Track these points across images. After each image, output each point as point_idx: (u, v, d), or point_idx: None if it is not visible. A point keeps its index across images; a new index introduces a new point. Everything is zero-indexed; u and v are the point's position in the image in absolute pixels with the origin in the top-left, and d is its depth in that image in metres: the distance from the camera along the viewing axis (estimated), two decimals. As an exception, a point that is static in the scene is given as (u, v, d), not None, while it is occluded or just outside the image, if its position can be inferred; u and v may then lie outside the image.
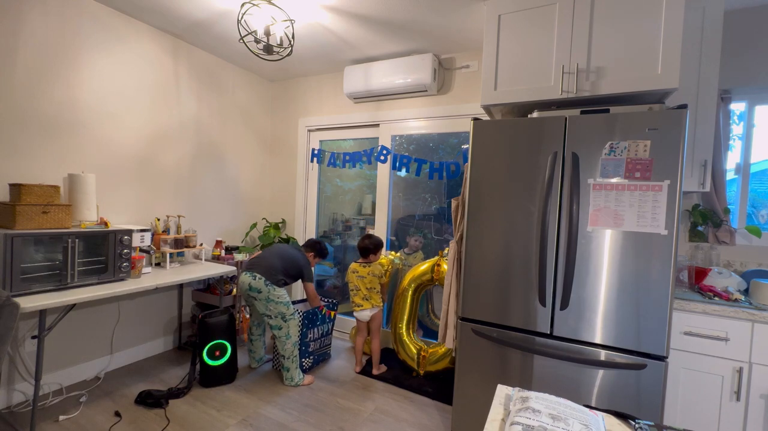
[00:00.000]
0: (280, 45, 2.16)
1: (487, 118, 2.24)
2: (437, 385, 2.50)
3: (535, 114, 1.76)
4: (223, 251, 2.99)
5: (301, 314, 2.51)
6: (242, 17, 2.06)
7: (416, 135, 3.07)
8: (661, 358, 1.46)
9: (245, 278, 2.36)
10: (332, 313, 2.82)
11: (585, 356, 1.56)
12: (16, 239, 1.74)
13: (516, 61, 1.84)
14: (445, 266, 2.57)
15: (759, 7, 2.02)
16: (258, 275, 2.33)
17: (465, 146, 2.83)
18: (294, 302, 2.81)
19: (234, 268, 2.67)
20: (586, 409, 0.80)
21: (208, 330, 2.34)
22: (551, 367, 1.62)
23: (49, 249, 1.86)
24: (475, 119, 1.78)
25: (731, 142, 2.13)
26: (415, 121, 3.00)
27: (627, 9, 1.61)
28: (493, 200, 1.74)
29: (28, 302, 1.66)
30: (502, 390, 0.94)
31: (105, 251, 2.06)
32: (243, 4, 2.01)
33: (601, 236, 1.54)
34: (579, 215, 1.56)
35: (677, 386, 1.68)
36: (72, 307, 1.99)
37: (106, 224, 2.15)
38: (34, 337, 1.86)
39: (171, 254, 2.61)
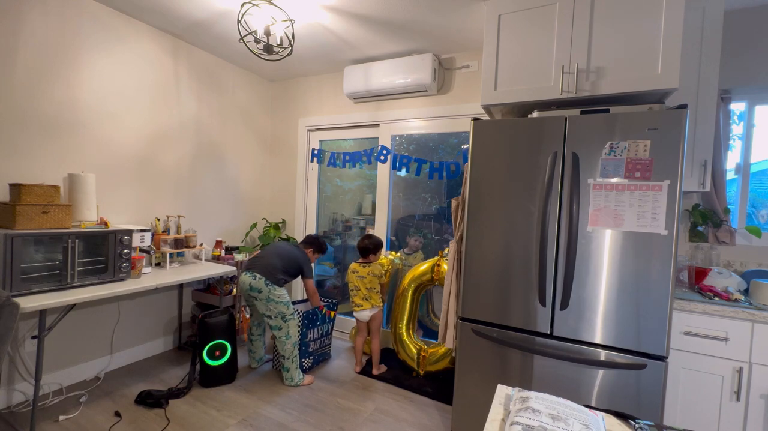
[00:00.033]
0: (280, 45, 2.16)
1: (487, 118, 2.24)
2: (437, 385, 2.50)
3: (535, 114, 1.76)
4: (223, 251, 2.99)
5: (300, 314, 2.51)
6: (242, 17, 2.06)
7: (416, 135, 3.07)
8: (661, 358, 1.46)
9: (245, 278, 2.36)
10: (332, 313, 2.82)
11: (585, 356, 1.56)
12: (16, 239, 1.74)
13: (516, 61, 1.84)
14: (445, 266, 2.57)
15: (759, 7, 2.02)
16: (258, 275, 2.33)
17: (465, 146, 2.83)
18: (294, 303, 2.81)
19: (234, 268, 2.67)
20: (586, 409, 0.80)
21: (208, 330, 2.34)
22: (551, 367, 1.62)
23: (49, 249, 1.86)
24: (475, 119, 1.78)
25: (731, 142, 2.13)
26: (415, 121, 3.00)
27: (627, 9, 1.61)
28: (493, 200, 1.74)
29: (28, 302, 1.66)
30: (502, 390, 0.94)
31: (105, 251, 2.06)
32: (243, 4, 2.01)
33: (601, 236, 1.54)
34: (579, 215, 1.56)
35: (677, 386, 1.68)
36: (72, 307, 1.99)
37: (106, 224, 2.15)
38: (34, 337, 1.86)
39: (171, 254, 2.61)
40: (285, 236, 3.49)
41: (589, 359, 1.55)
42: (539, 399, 0.80)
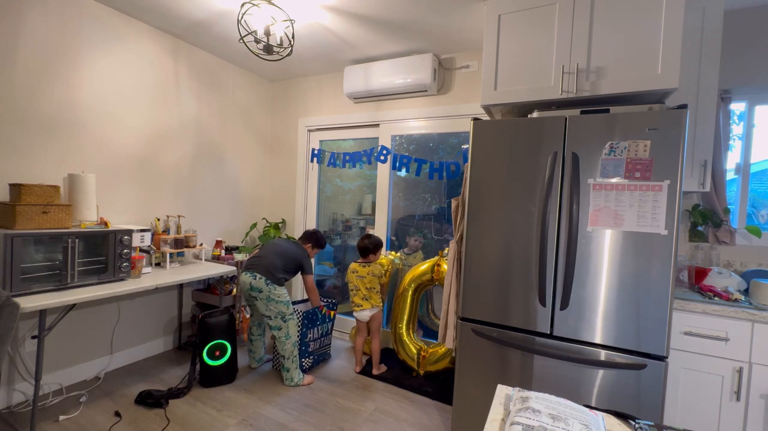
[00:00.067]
0: (280, 45, 2.16)
1: (487, 118, 2.24)
2: (437, 385, 2.50)
3: (535, 114, 1.76)
4: (223, 251, 2.99)
5: (300, 314, 2.52)
6: (242, 17, 2.06)
7: (416, 135, 3.07)
8: (661, 358, 1.46)
9: (246, 278, 2.36)
10: (332, 313, 2.82)
11: (585, 356, 1.56)
12: (16, 239, 1.74)
13: (516, 61, 1.84)
14: (445, 266, 2.57)
15: (759, 7, 2.02)
16: (258, 275, 2.33)
17: (465, 146, 2.83)
18: (294, 303, 2.81)
19: (234, 268, 2.67)
20: (586, 409, 0.80)
21: (208, 330, 2.34)
22: (551, 367, 1.62)
23: (49, 249, 1.86)
24: (475, 119, 1.78)
25: (731, 142, 2.13)
26: (415, 121, 3.00)
27: (627, 9, 1.61)
28: (493, 200, 1.74)
29: (28, 302, 1.66)
30: (502, 390, 0.94)
31: (105, 251, 2.06)
32: (243, 4, 2.01)
33: (601, 236, 1.54)
34: (579, 215, 1.56)
35: (677, 386, 1.68)
36: (72, 307, 1.99)
37: (106, 224, 2.15)
38: (34, 337, 1.86)
39: (171, 254, 2.61)
40: (285, 237, 3.49)
41: (589, 359, 1.55)
42: (539, 399, 0.80)
